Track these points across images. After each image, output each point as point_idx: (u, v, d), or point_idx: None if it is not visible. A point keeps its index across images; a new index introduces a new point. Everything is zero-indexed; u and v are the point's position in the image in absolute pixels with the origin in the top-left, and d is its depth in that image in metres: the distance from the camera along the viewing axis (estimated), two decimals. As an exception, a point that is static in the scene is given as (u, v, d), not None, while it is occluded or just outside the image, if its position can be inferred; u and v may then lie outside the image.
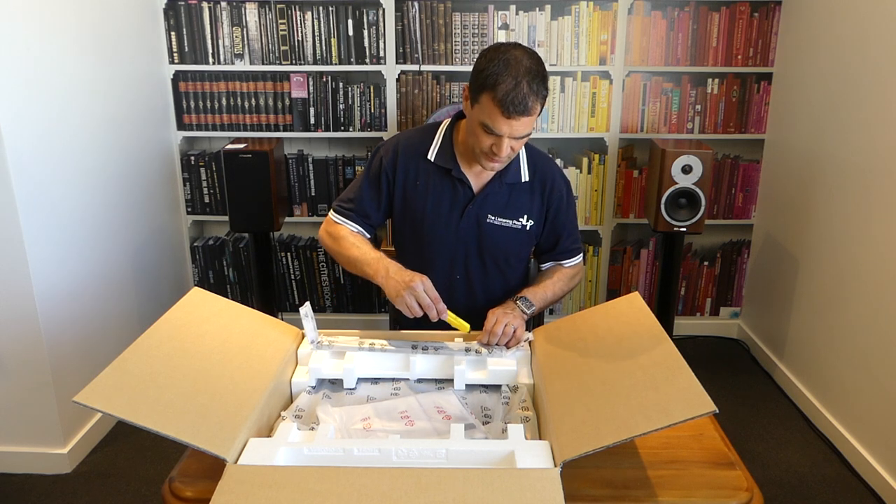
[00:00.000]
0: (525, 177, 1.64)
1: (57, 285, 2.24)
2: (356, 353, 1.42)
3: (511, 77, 1.40)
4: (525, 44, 2.91)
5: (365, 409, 1.29)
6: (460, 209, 1.63)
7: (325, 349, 1.44)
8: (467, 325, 1.47)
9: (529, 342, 1.47)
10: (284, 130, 3.05)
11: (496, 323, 1.45)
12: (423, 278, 1.44)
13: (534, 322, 1.94)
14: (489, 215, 1.63)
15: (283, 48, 2.96)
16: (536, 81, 1.41)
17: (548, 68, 2.90)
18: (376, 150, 1.70)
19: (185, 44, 2.96)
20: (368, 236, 1.70)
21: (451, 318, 1.46)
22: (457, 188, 1.62)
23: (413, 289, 1.42)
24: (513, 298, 1.59)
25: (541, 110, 1.46)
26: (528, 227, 1.66)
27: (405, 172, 1.65)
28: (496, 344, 1.44)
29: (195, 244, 3.22)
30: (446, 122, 1.66)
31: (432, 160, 1.63)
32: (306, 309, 1.45)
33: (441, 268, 1.68)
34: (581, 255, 1.76)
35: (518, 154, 1.63)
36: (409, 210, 1.66)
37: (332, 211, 1.70)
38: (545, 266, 1.75)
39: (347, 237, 1.64)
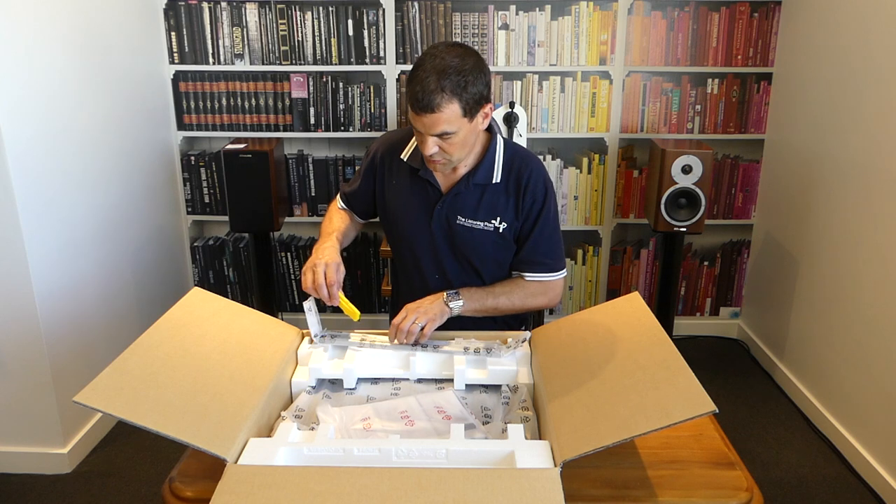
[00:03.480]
0: (497, 178, 1.60)
1: (57, 285, 2.24)
2: (356, 353, 1.42)
3: (423, 73, 1.40)
4: (525, 44, 2.95)
5: (365, 409, 1.29)
6: (429, 209, 1.63)
7: (326, 342, 1.44)
8: (358, 313, 1.49)
9: (529, 342, 1.47)
10: (284, 130, 3.05)
11: (404, 319, 1.45)
12: (329, 262, 1.48)
13: (534, 322, 1.94)
14: (458, 217, 1.61)
15: (283, 48, 2.96)
16: (450, 79, 1.39)
17: (548, 68, 2.95)
18: (372, 143, 1.76)
19: (185, 44, 2.96)
20: (360, 221, 1.81)
21: (343, 303, 1.47)
22: (426, 189, 1.63)
23: (314, 266, 1.48)
24: (446, 292, 1.56)
25: (466, 108, 1.42)
26: (500, 230, 1.61)
27: (383, 171, 1.68)
28: (404, 342, 1.44)
29: (195, 244, 3.22)
30: None
31: (405, 160, 1.65)
32: (310, 303, 1.46)
33: (419, 267, 1.69)
34: (553, 274, 1.64)
35: (494, 154, 1.60)
36: (388, 209, 1.69)
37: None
38: (513, 274, 1.68)
39: (331, 211, 1.79)
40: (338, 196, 1.82)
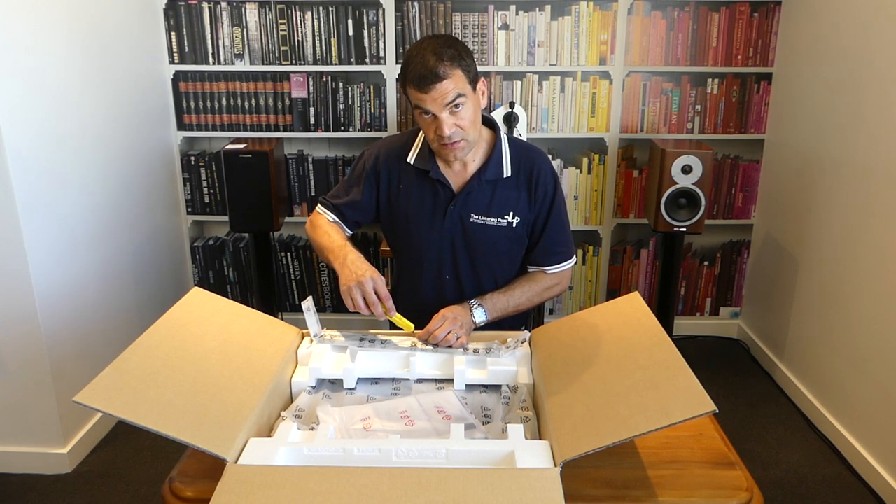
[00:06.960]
0: (507, 172, 1.61)
1: (57, 285, 2.24)
2: (356, 353, 1.42)
3: (418, 56, 1.44)
4: (525, 44, 2.95)
5: (365, 409, 1.29)
6: (442, 210, 1.62)
7: (326, 343, 1.44)
8: (411, 325, 1.48)
9: (529, 342, 1.47)
10: (284, 130, 3.05)
11: (440, 328, 1.44)
12: (376, 275, 1.43)
13: (534, 322, 1.94)
14: (472, 214, 1.62)
15: (283, 48, 2.96)
16: (443, 49, 1.44)
17: (548, 68, 2.95)
18: (362, 153, 1.73)
19: (185, 44, 2.96)
20: (349, 232, 1.71)
21: (396, 318, 1.47)
22: (437, 189, 1.62)
23: (362, 284, 1.42)
24: (470, 303, 1.58)
25: (469, 77, 1.48)
26: (514, 225, 1.62)
27: (388, 177, 1.66)
28: (434, 344, 1.44)
29: (195, 244, 3.22)
30: None
31: (412, 163, 1.64)
32: (308, 303, 1.46)
33: (430, 269, 1.68)
34: (568, 262, 1.69)
35: (501, 149, 1.62)
36: (395, 213, 1.67)
37: (318, 203, 1.75)
38: (530, 269, 1.70)
39: (323, 226, 1.67)
40: (320, 209, 1.72)
